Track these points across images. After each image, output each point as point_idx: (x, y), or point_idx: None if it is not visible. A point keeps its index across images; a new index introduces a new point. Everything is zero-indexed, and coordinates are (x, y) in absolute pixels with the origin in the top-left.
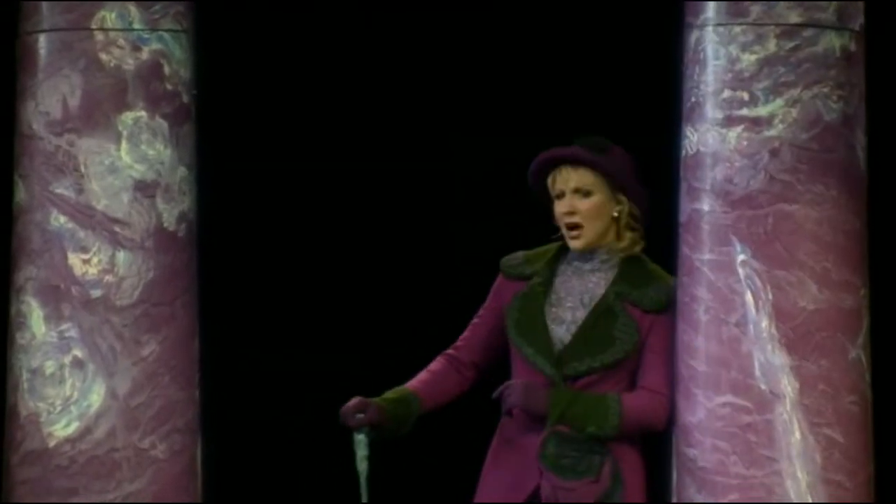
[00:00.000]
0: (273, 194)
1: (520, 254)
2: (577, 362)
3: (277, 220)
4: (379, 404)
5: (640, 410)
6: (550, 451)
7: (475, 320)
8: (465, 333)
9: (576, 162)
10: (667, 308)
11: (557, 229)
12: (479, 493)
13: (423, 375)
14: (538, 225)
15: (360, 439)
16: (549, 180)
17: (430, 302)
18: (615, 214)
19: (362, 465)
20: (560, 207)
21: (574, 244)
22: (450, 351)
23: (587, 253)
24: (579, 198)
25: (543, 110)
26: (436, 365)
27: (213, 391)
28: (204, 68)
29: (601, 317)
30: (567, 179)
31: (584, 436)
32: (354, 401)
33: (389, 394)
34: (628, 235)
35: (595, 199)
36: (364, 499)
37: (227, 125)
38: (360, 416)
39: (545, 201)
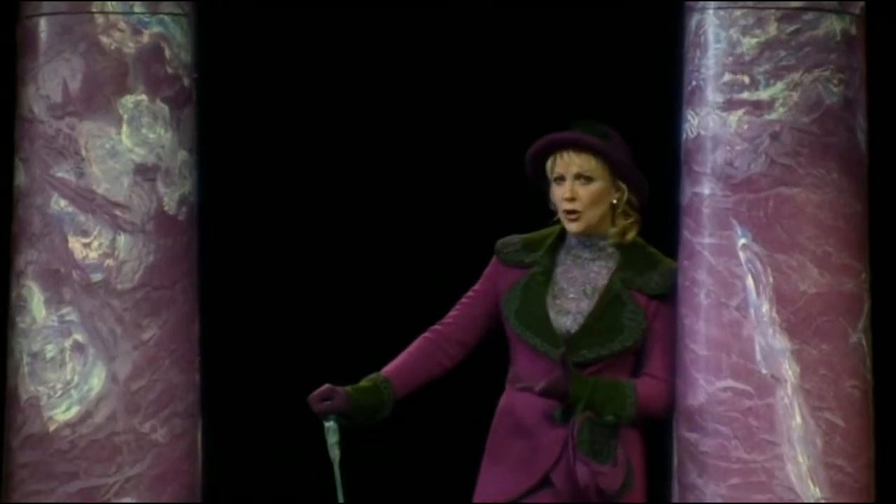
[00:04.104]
0: (274, 179)
1: (516, 238)
2: (585, 350)
3: (278, 206)
4: (346, 392)
5: (650, 399)
6: (586, 437)
7: (464, 300)
8: (454, 311)
9: (579, 147)
10: (670, 292)
11: (553, 214)
12: (482, 479)
13: (401, 358)
14: (536, 213)
15: (330, 426)
16: (549, 163)
17: (432, 290)
18: (614, 202)
19: (333, 452)
20: (560, 192)
21: (572, 227)
22: (437, 326)
23: (586, 240)
24: (581, 184)
25: (542, 95)
26: (416, 345)
27: (213, 375)
28: (204, 52)
29: (609, 305)
30: (569, 164)
31: (607, 421)
32: (322, 388)
33: (363, 381)
34: (621, 223)
35: (596, 186)
36: (338, 483)
37: (228, 109)
38: (327, 403)
39: (540, 184)
